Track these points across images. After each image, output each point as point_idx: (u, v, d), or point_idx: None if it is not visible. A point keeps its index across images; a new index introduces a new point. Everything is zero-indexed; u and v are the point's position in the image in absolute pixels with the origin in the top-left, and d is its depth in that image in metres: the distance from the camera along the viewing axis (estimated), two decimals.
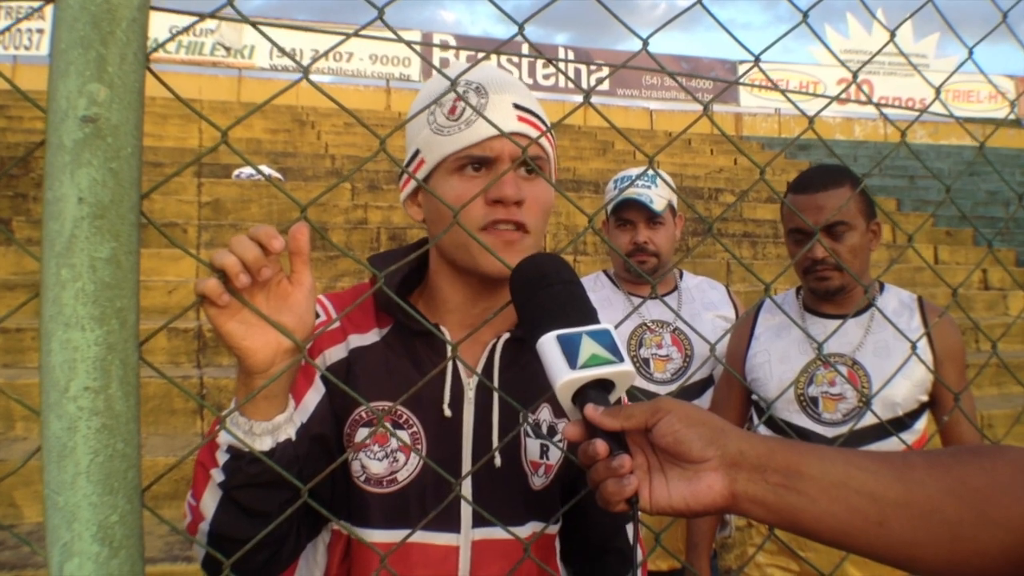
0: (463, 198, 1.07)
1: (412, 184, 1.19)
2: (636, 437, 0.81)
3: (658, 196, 2.42)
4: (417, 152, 1.16)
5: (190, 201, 7.51)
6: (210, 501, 0.94)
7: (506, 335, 1.18)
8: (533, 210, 1.11)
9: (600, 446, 0.78)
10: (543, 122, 1.16)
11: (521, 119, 1.12)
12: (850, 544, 0.76)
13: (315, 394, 1.10)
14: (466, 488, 1.11)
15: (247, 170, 8.50)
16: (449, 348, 0.94)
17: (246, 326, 0.84)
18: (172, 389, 4.16)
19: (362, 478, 1.11)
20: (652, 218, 2.44)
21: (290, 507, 0.87)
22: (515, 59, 16.25)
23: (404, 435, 1.11)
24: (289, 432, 0.94)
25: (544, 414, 1.20)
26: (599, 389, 0.82)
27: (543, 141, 1.15)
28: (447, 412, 1.12)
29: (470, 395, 1.15)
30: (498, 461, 1.13)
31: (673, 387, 2.41)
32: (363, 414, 1.12)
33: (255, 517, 0.93)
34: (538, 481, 1.17)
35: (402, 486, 1.11)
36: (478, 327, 1.01)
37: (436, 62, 15.20)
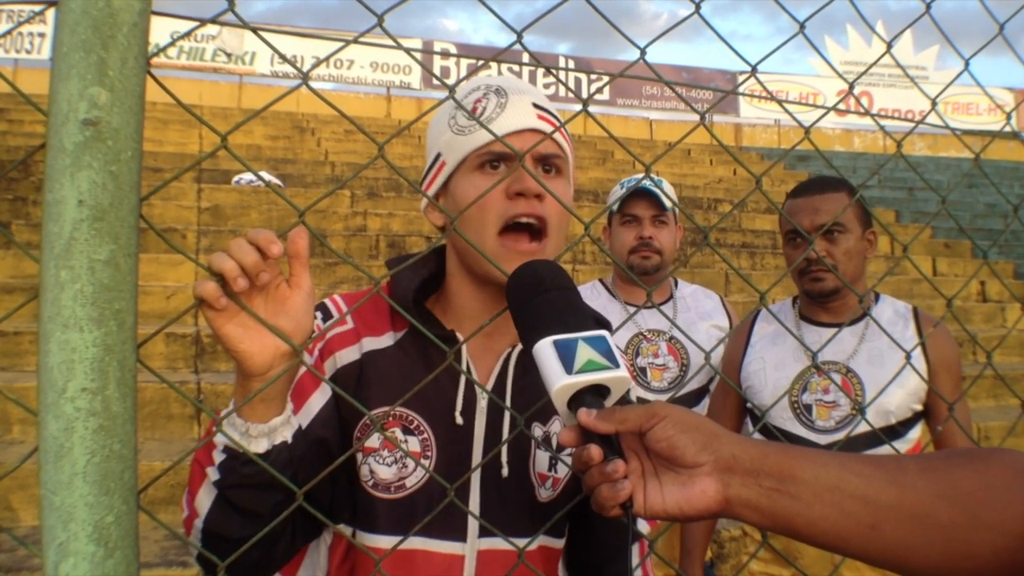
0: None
1: (433, 188, 1.18)
2: (631, 442, 0.81)
3: (664, 194, 2.44)
4: (439, 156, 1.17)
5: (190, 207, 7.52)
6: (205, 499, 0.95)
7: (520, 345, 1.18)
8: (554, 206, 1.11)
9: (594, 451, 0.78)
10: (561, 123, 1.17)
11: (541, 117, 1.14)
12: (843, 547, 0.76)
13: (320, 396, 1.10)
14: (473, 498, 1.11)
15: (247, 176, 8.51)
16: (461, 355, 0.94)
17: (244, 329, 0.84)
18: (169, 394, 4.15)
19: (370, 483, 1.10)
20: (658, 215, 2.45)
21: (284, 508, 0.87)
22: (516, 67, 16.28)
23: (415, 441, 1.11)
24: (285, 435, 0.94)
25: (555, 427, 1.19)
26: (594, 395, 0.82)
27: (562, 141, 1.16)
28: (459, 420, 1.12)
29: (482, 404, 1.14)
30: (506, 471, 1.12)
31: (669, 396, 2.42)
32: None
33: (248, 517, 0.94)
34: (544, 493, 1.16)
35: (411, 492, 1.10)
36: (476, 331, 1.01)
37: (436, 70, 15.22)
